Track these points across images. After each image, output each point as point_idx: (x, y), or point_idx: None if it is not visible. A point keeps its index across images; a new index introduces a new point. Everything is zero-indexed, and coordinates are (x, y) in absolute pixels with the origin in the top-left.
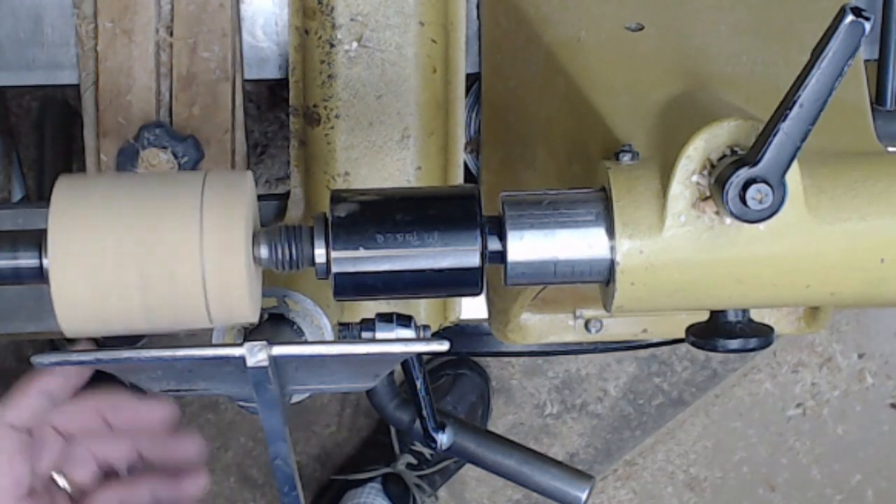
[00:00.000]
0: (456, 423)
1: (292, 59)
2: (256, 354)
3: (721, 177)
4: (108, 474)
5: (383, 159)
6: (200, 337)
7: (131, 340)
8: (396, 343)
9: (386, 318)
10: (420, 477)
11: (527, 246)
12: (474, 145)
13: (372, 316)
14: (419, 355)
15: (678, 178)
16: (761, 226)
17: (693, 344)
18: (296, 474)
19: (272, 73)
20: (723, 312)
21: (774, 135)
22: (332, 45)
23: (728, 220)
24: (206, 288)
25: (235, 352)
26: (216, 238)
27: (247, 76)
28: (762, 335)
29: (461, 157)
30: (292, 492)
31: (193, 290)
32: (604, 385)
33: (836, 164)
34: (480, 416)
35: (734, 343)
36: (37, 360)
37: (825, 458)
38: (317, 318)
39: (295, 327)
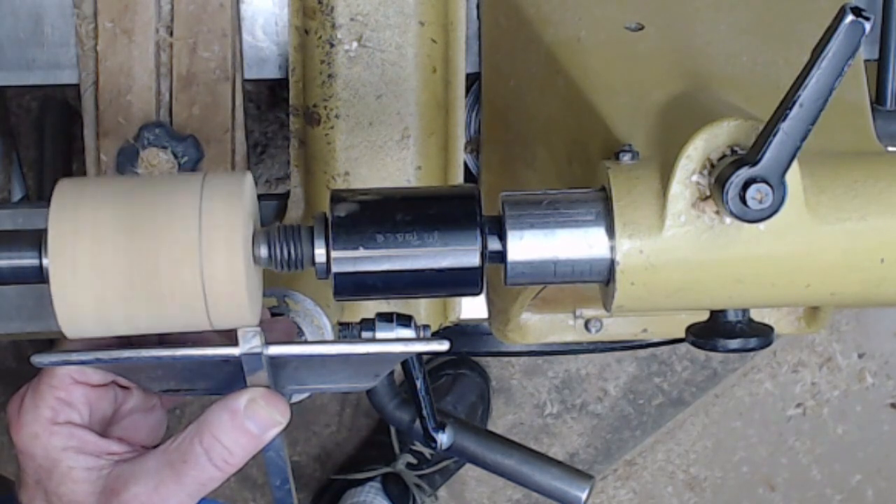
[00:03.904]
0: (456, 423)
1: (292, 59)
2: (249, 340)
3: (721, 177)
4: None
5: (383, 159)
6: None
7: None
8: (396, 343)
9: (386, 317)
10: (420, 477)
11: (527, 246)
12: (474, 145)
13: (372, 316)
14: (419, 355)
15: (678, 177)
16: (761, 226)
17: (693, 344)
18: (288, 467)
19: (272, 73)
20: (723, 312)
21: (774, 135)
22: (332, 45)
23: (728, 220)
24: (205, 288)
25: (234, 351)
26: (214, 238)
27: (247, 76)
28: (762, 335)
29: (461, 157)
30: (285, 485)
31: (192, 290)
32: (604, 385)
33: (836, 164)
34: (480, 416)
35: (734, 343)
36: (37, 359)
37: (825, 458)
38: (317, 318)
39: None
